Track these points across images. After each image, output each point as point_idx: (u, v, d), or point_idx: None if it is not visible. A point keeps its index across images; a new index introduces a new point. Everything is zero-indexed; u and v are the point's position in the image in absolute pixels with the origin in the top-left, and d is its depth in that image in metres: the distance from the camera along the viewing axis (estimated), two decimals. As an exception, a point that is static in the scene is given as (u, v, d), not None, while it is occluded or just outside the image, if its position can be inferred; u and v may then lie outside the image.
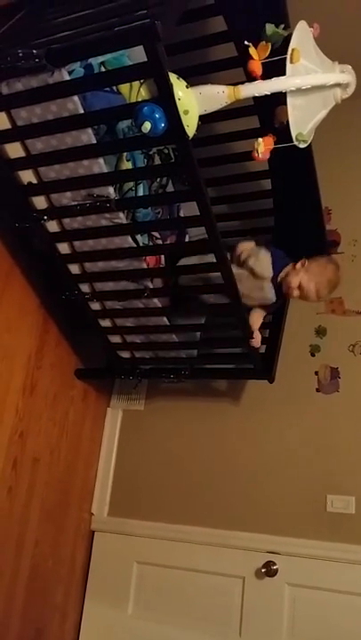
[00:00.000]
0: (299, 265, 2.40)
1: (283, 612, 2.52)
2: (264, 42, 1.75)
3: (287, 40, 1.75)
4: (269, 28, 1.77)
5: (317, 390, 2.76)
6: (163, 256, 2.51)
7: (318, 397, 2.75)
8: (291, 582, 2.55)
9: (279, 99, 1.76)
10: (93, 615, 2.84)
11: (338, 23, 2.48)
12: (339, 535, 2.53)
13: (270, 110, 1.88)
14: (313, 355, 2.81)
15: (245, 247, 2.48)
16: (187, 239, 2.73)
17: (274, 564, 2.56)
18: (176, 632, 2.66)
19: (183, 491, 2.86)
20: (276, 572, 2.55)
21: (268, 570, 2.55)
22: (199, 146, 2.07)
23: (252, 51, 1.75)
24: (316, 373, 2.78)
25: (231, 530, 2.71)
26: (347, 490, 2.58)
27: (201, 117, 2.00)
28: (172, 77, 1.66)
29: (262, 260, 2.42)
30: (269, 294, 2.45)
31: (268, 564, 2.56)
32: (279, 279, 2.42)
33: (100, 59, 1.95)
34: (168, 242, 2.64)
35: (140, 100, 1.70)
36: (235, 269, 2.35)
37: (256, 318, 2.49)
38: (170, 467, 2.93)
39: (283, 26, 1.80)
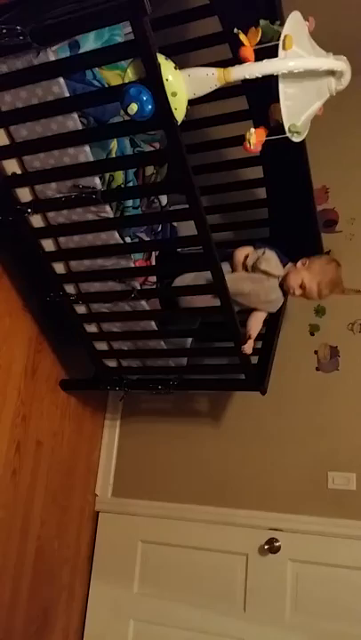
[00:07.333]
0: (300, 264, 2.41)
1: (286, 588, 2.56)
2: (254, 27, 1.70)
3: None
4: (264, 23, 1.73)
5: (317, 369, 2.77)
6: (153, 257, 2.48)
7: (318, 376, 2.77)
8: (293, 558, 2.58)
9: (274, 99, 1.71)
10: (100, 594, 2.88)
11: (333, 20, 2.44)
12: (340, 511, 2.55)
13: (265, 114, 1.83)
14: (312, 334, 2.81)
15: (248, 251, 2.46)
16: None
17: (276, 540, 2.59)
18: (182, 609, 2.70)
19: (186, 470, 2.89)
20: (278, 548, 2.58)
21: (271, 547, 2.58)
22: (191, 152, 2.05)
23: (242, 37, 1.69)
24: (316, 352, 2.78)
25: (234, 508, 2.74)
26: (348, 467, 2.60)
27: (193, 123, 1.99)
28: (161, 58, 1.63)
29: (271, 260, 2.41)
30: (280, 295, 2.46)
31: (271, 541, 2.59)
32: (280, 279, 2.43)
33: (92, 45, 1.93)
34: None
35: (127, 82, 1.67)
36: (246, 274, 2.38)
37: (255, 322, 2.46)
38: (173, 447, 2.95)
39: (278, 22, 1.74)
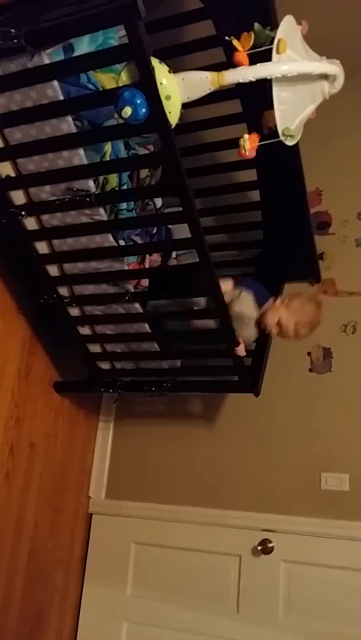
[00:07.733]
0: (279, 302, 2.37)
1: (279, 589, 2.56)
2: (246, 32, 1.70)
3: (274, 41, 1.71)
4: (257, 27, 1.73)
5: (310, 371, 2.78)
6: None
7: (311, 377, 2.78)
8: (286, 559, 2.58)
9: (267, 102, 1.72)
10: (93, 596, 2.88)
11: (326, 23, 2.45)
12: (333, 512, 2.56)
13: (259, 117, 1.84)
14: (306, 335, 2.83)
15: (226, 289, 2.36)
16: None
17: (270, 541, 2.60)
18: (175, 611, 2.70)
19: (180, 472, 2.89)
20: (271, 549, 2.59)
21: (264, 547, 2.59)
22: (185, 155, 2.06)
23: (235, 43, 1.69)
24: (309, 354, 2.79)
25: (227, 509, 2.74)
26: (341, 467, 2.61)
27: (187, 126, 1.97)
28: (154, 62, 1.64)
29: (244, 301, 2.38)
30: (253, 332, 2.43)
31: (264, 542, 2.59)
32: (258, 315, 2.40)
33: (86, 49, 1.94)
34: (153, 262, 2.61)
35: (121, 85, 1.68)
36: None
37: None
38: (166, 448, 2.96)
39: (269, 27, 1.74)
